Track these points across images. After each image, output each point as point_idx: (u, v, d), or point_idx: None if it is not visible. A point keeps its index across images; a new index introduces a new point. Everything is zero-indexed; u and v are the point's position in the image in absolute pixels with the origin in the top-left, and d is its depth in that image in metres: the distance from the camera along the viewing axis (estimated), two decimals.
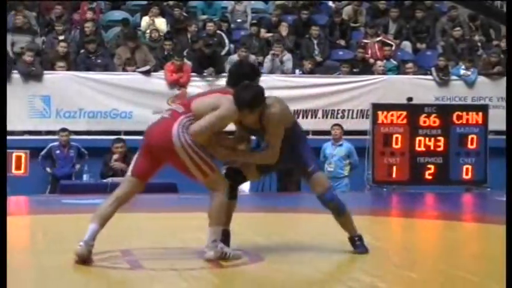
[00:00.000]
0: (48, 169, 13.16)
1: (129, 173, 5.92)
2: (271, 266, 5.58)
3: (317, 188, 5.98)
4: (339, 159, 12.93)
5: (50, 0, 16.28)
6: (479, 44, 16.25)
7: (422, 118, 12.85)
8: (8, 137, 13.09)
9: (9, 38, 14.75)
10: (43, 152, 13.04)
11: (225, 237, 5.94)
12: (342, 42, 16.21)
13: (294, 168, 6.19)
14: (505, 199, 7.51)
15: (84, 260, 5.62)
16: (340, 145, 13.00)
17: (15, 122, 13.53)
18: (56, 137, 13.45)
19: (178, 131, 5.69)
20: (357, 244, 6.08)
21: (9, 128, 13.30)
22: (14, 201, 11.33)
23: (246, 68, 6.28)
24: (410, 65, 15.16)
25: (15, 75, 13.86)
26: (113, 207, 5.82)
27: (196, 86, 13.86)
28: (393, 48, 15.70)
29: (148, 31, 15.51)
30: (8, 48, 14.62)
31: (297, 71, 15.01)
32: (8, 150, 12.30)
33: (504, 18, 12.94)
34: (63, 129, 13.19)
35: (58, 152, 13.11)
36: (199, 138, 5.70)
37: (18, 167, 12.61)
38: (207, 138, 5.74)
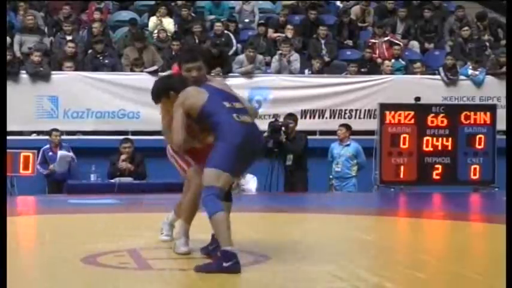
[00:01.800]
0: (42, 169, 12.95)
1: None
2: (277, 266, 5.58)
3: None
4: (347, 159, 12.91)
5: (58, 1, 16.32)
6: (487, 44, 16.22)
7: (430, 118, 12.83)
8: (16, 137, 13.18)
9: (18, 38, 14.80)
10: (39, 158, 12.84)
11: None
12: (350, 42, 16.21)
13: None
14: None
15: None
16: (348, 145, 12.98)
17: (23, 122, 13.56)
18: (65, 137, 13.45)
19: None
20: (214, 261, 5.39)
21: (17, 128, 13.39)
22: (21, 201, 11.36)
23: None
24: (418, 64, 15.15)
25: (23, 75, 13.88)
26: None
27: None
28: (401, 47, 15.68)
29: (156, 31, 15.53)
30: (16, 48, 14.66)
31: (305, 71, 15.00)
32: (15, 151, 12.33)
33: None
34: (55, 130, 13.09)
35: (50, 154, 12.99)
36: (176, 140, 5.78)
37: (26, 167, 12.60)
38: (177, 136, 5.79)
